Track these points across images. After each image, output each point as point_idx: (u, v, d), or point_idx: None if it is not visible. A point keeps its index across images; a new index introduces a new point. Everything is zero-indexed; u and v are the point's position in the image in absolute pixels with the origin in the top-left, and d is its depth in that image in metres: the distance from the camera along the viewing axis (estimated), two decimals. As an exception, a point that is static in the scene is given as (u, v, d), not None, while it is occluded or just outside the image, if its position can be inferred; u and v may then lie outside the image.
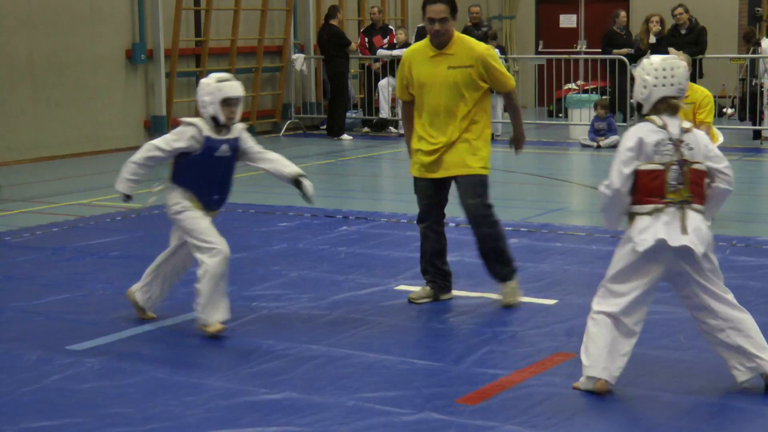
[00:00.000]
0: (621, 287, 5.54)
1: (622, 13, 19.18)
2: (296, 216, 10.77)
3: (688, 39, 17.18)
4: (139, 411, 5.41)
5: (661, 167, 5.46)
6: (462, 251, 8.94)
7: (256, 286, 7.94)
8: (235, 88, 6.69)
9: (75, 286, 8.04)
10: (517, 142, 7.50)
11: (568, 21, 24.43)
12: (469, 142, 7.16)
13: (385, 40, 19.31)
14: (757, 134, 17.22)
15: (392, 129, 19.21)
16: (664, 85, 5.56)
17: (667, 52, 16.72)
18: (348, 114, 19.22)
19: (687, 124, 5.60)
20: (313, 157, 16.15)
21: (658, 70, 5.56)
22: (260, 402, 5.52)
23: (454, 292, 7.59)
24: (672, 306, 6.63)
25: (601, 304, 5.59)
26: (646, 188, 5.48)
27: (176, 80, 17.43)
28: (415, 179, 7.39)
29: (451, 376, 5.88)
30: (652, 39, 17.43)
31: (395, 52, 18.98)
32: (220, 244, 6.63)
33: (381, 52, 19.19)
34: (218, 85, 6.63)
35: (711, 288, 5.52)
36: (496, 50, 18.33)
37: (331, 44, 18.41)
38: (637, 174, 5.49)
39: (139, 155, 6.76)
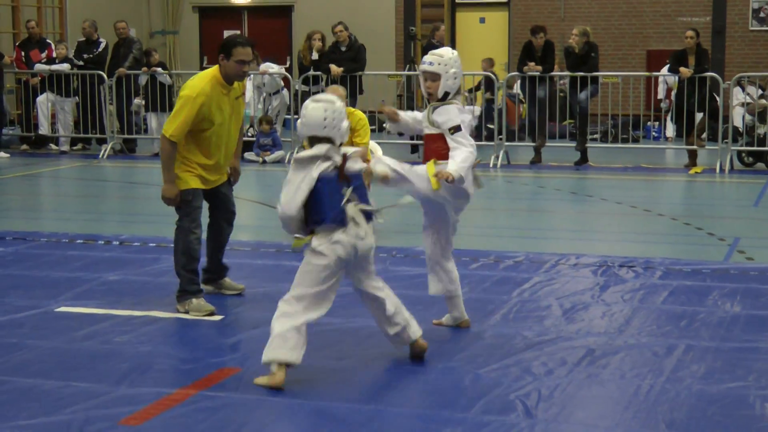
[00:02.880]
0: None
1: (442, 27, 19.01)
2: (-52, 238, 10.21)
3: (347, 56, 17.66)
4: None
5: None
6: (126, 269, 8.78)
7: None
8: None
9: None
10: None
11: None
12: None
13: (43, 54, 18.70)
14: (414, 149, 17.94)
15: (52, 146, 18.58)
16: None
17: (328, 69, 17.23)
18: (4, 131, 18.45)
19: None
20: (-32, 176, 15.40)
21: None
22: None
23: (119, 311, 7.45)
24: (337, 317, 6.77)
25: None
26: None
27: None
28: None
29: (114, 397, 5.72)
30: (315, 55, 17.79)
31: (54, 67, 18.42)
32: None
33: (39, 66, 18.56)
34: None
35: None
36: (158, 68, 18.35)
37: (-17, 58, 17.65)
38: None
39: None
